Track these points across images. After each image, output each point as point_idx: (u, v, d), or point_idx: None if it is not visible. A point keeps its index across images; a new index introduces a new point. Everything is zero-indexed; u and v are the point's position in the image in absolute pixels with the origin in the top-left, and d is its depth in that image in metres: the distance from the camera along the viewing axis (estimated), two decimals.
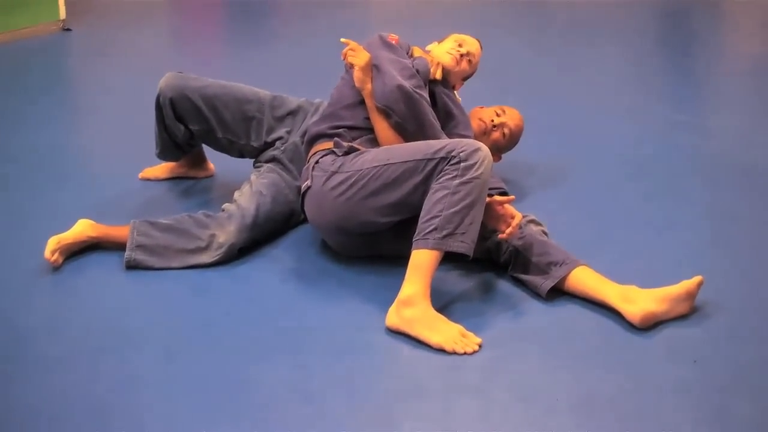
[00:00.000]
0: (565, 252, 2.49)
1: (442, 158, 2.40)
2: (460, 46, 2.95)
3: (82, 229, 2.75)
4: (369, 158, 2.53)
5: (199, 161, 3.35)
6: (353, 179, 2.51)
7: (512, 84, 4.72)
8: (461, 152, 2.38)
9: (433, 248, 2.33)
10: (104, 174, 3.45)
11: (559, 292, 2.45)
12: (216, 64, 5.39)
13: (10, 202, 3.19)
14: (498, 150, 3.11)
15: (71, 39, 6.00)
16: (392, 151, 2.53)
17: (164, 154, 3.14)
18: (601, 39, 6.05)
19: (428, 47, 3.02)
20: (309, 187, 2.61)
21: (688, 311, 2.33)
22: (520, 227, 2.57)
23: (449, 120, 2.89)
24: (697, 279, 2.33)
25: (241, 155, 3.08)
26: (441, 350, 2.21)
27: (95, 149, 3.82)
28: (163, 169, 3.36)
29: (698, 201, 3.13)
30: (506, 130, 3.07)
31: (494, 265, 2.61)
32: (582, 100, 4.46)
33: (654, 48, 6.02)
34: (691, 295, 2.33)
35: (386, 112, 2.63)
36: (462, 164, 2.37)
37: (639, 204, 3.11)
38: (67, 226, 2.75)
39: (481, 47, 3.04)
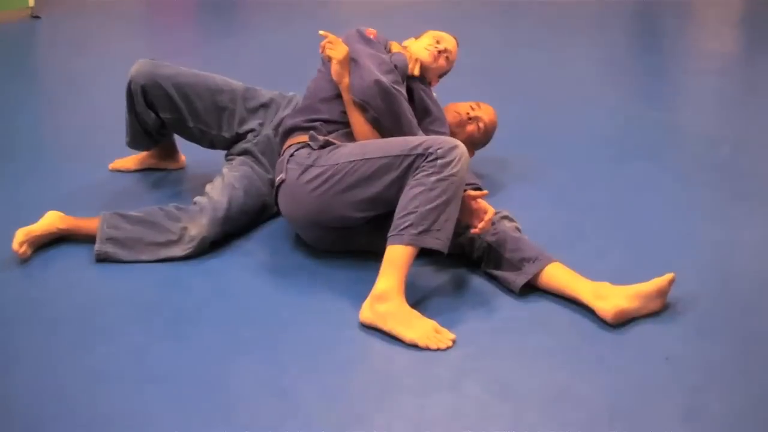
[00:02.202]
0: (538, 248, 2.50)
1: (419, 155, 2.39)
2: (437, 42, 2.95)
3: (51, 221, 2.71)
4: (345, 153, 2.51)
5: (171, 153, 3.32)
6: (329, 173, 2.49)
7: (485, 80, 4.75)
8: (438, 149, 2.38)
9: (408, 244, 2.32)
10: (73, 165, 3.40)
11: (532, 288, 2.46)
12: (188, 55, 5.33)
13: None
14: (472, 144, 3.12)
15: (40, 27, 5.92)
16: (369, 146, 2.51)
17: (135, 143, 3.10)
18: (572, 36, 6.11)
19: (405, 43, 3.01)
20: (283, 180, 2.59)
21: (660, 308, 2.35)
22: (493, 223, 2.57)
23: (426, 116, 2.89)
24: (668, 276, 2.34)
25: (212, 146, 3.05)
26: (414, 346, 2.20)
27: (63, 139, 3.77)
28: (133, 160, 3.32)
29: (671, 198, 3.16)
30: (481, 124, 3.08)
31: (468, 261, 2.61)
32: (555, 97, 4.51)
33: (626, 46, 6.09)
34: (662, 293, 2.34)
35: (363, 107, 2.62)
36: (439, 161, 2.36)
37: (612, 200, 3.14)
38: (35, 218, 2.71)
39: (458, 44, 3.04)
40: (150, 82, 2.87)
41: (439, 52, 2.92)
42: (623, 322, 2.30)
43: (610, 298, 2.31)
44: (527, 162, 3.47)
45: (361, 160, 2.46)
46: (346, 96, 2.65)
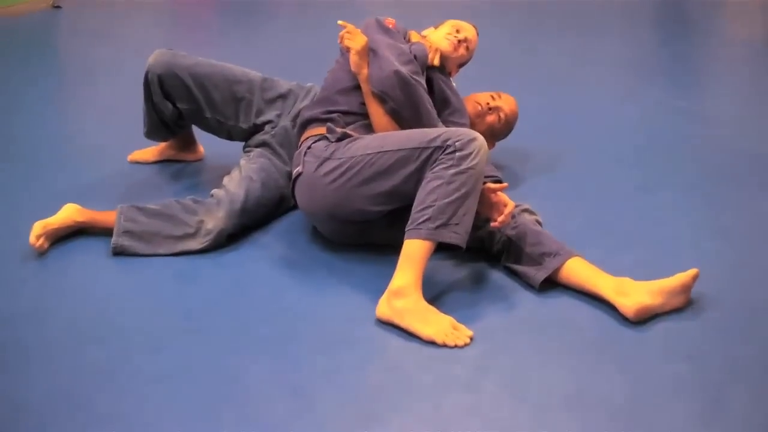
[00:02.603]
0: (558, 242, 2.45)
1: (437, 147, 2.35)
2: (457, 31, 2.90)
3: (69, 214, 2.70)
4: (362, 145, 2.48)
5: (189, 144, 3.30)
6: (346, 166, 2.46)
7: (508, 70, 4.69)
8: (457, 141, 2.33)
9: (425, 238, 2.29)
10: (92, 156, 3.40)
11: (553, 284, 2.41)
12: (210, 46, 5.32)
13: None
14: (493, 135, 3.07)
15: (61, 17, 5.92)
16: (386, 138, 2.48)
17: (152, 134, 3.09)
18: (598, 25, 6.00)
19: (424, 32, 2.97)
20: (300, 173, 2.56)
21: (684, 305, 2.30)
22: (513, 216, 2.53)
23: (445, 107, 2.84)
24: (692, 272, 2.29)
25: (230, 137, 3.02)
26: (432, 343, 2.17)
27: (83, 131, 3.77)
28: (152, 151, 3.31)
29: (696, 190, 3.08)
30: (501, 114, 3.03)
31: (487, 255, 2.57)
32: (579, 87, 4.42)
33: (652, 34, 5.96)
34: (686, 288, 2.29)
35: (382, 98, 2.58)
36: (457, 154, 2.32)
37: (636, 192, 3.07)
38: (53, 210, 2.71)
39: (478, 33, 2.99)
40: (167, 71, 2.85)
41: (459, 41, 2.88)
42: (645, 318, 2.25)
43: (632, 294, 2.26)
44: (550, 154, 3.41)
45: (379, 152, 2.43)
46: (364, 87, 2.61)
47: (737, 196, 3.04)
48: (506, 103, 3.05)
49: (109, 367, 2.09)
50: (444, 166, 2.33)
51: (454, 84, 3.09)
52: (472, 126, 2.98)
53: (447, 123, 2.81)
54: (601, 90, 4.34)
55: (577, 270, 2.38)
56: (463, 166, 2.31)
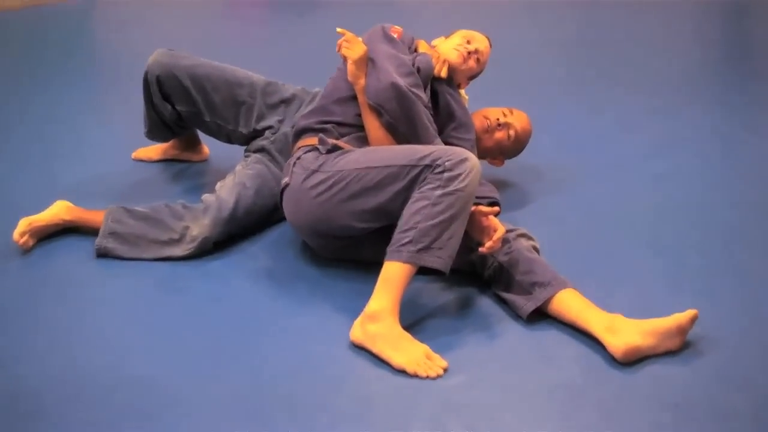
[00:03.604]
0: (552, 272, 2.32)
1: (426, 166, 2.24)
2: (468, 42, 2.78)
3: (57, 211, 2.66)
4: (352, 159, 2.38)
5: (193, 144, 3.24)
6: (333, 180, 2.36)
7: (532, 82, 4.51)
8: (447, 161, 2.22)
9: (406, 261, 2.18)
10: (98, 151, 3.37)
11: (543, 315, 2.28)
12: (243, 45, 5.27)
13: None
14: (502, 153, 2.94)
15: (96, 7, 5.93)
16: (376, 153, 2.37)
17: (153, 134, 3.03)
18: (642, 39, 5.75)
19: (434, 42, 2.85)
20: (288, 184, 2.48)
21: (678, 347, 2.14)
22: (508, 241, 2.40)
23: (450, 121, 2.73)
24: (690, 313, 2.13)
25: (230, 141, 2.95)
26: (402, 371, 2.06)
27: (94, 124, 3.73)
28: (156, 150, 3.26)
29: (718, 223, 2.86)
30: (512, 132, 2.89)
31: (478, 280, 2.45)
32: (605, 101, 4.19)
33: (703, 48, 5.59)
34: (682, 331, 2.14)
35: (378, 111, 2.48)
36: (446, 174, 2.21)
37: (649, 220, 2.89)
38: (48, 204, 2.67)
39: (491, 44, 2.86)
40: (166, 73, 2.78)
41: (469, 53, 2.75)
42: (634, 360, 2.10)
43: (623, 333, 2.12)
44: (564, 172, 3.25)
45: (367, 168, 2.33)
46: (361, 98, 2.51)
47: (757, 233, 2.81)
48: (518, 120, 2.92)
49: (71, 375, 2.03)
50: (431, 186, 2.22)
51: (466, 96, 2.98)
52: (479, 142, 2.86)
53: (450, 138, 2.70)
54: (631, 105, 4.11)
55: (568, 303, 2.25)
56: (451, 188, 2.20)
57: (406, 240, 2.19)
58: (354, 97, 2.55)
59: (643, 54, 5.21)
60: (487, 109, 2.94)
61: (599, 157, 3.45)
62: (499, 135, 2.89)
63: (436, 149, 2.29)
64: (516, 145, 2.94)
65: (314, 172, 2.41)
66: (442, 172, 2.22)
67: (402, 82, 2.45)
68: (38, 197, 2.80)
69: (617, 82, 4.54)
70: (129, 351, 2.13)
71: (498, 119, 2.88)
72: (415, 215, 2.20)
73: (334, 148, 2.45)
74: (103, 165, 3.22)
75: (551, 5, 6.52)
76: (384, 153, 2.36)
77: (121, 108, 3.89)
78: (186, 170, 3.20)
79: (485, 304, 2.37)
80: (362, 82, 2.51)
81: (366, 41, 2.59)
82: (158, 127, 2.97)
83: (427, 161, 2.25)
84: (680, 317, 2.13)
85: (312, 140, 2.52)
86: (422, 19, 5.86)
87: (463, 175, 2.21)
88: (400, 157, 2.30)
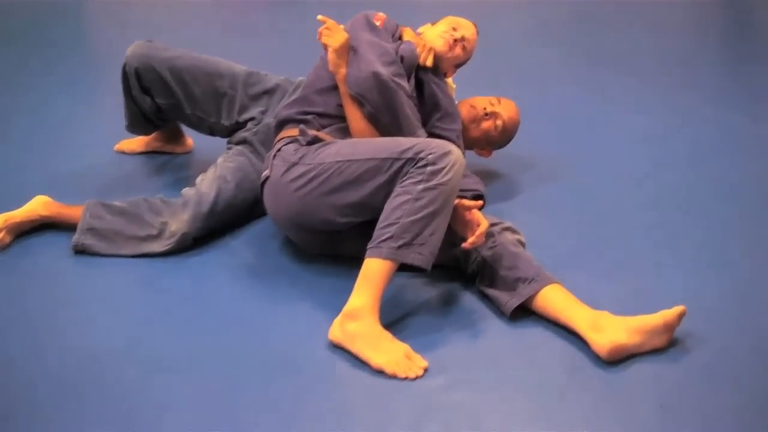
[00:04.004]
0: (537, 267, 2.26)
1: (409, 159, 2.18)
2: (454, 29, 2.71)
3: (34, 207, 2.61)
4: (332, 152, 2.32)
5: (177, 136, 3.18)
6: (313, 173, 2.30)
7: (521, 67, 4.42)
8: (429, 154, 2.16)
9: (386, 258, 2.12)
10: (80, 143, 3.31)
11: (527, 312, 2.23)
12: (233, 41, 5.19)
13: None
14: (489, 143, 2.88)
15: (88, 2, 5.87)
16: (358, 145, 2.31)
17: (134, 127, 2.97)
18: (638, 22, 5.63)
19: (420, 29, 2.78)
20: (268, 177, 2.42)
21: (665, 345, 2.09)
22: (492, 235, 2.35)
23: (435, 110, 2.66)
24: (678, 309, 2.08)
25: (212, 133, 2.89)
26: (381, 372, 2.01)
27: (77, 115, 3.64)
28: (139, 142, 3.19)
29: (709, 214, 2.78)
30: (499, 122, 2.83)
31: (462, 275, 2.40)
32: (605, 89, 4.09)
33: (705, 39, 5.40)
34: (669, 328, 2.08)
35: (359, 101, 2.41)
36: (429, 168, 2.15)
37: (640, 212, 2.82)
38: (28, 198, 2.62)
39: (478, 31, 2.79)
40: (144, 65, 2.72)
41: (455, 40, 2.68)
42: (620, 359, 2.05)
43: (608, 330, 2.07)
44: (554, 161, 3.18)
45: (348, 161, 2.27)
46: (342, 88, 2.45)
47: (753, 226, 2.74)
48: (506, 109, 2.85)
49: (45, 374, 1.99)
50: (413, 180, 2.16)
51: (454, 85, 2.91)
52: (466, 131, 2.80)
53: (435, 129, 2.64)
54: (629, 93, 4.03)
55: (553, 299, 2.20)
56: (434, 182, 2.14)
57: (387, 236, 2.13)
58: (336, 87, 2.49)
59: (638, 38, 5.13)
60: (474, 99, 2.88)
61: (591, 145, 3.38)
62: (486, 125, 2.82)
63: (418, 142, 2.22)
64: (504, 136, 2.87)
65: (294, 164, 2.35)
66: (425, 165, 2.16)
67: (384, 71, 2.38)
68: (17, 192, 2.74)
69: (610, 67, 4.46)
70: (105, 351, 2.09)
71: (485, 108, 2.82)
72: (397, 210, 2.15)
73: (315, 140, 2.39)
74: (85, 157, 3.16)
75: None
76: (365, 145, 2.30)
77: (105, 99, 3.82)
78: (169, 162, 3.14)
79: (468, 300, 2.32)
80: (343, 71, 2.44)
81: (348, 29, 2.52)
82: (139, 120, 2.91)
83: (409, 154, 2.19)
84: (667, 314, 2.08)
85: (293, 131, 2.46)
86: (422, 5, 5.76)
87: (446, 169, 2.15)
88: (382, 150, 2.24)
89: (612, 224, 2.73)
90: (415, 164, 2.17)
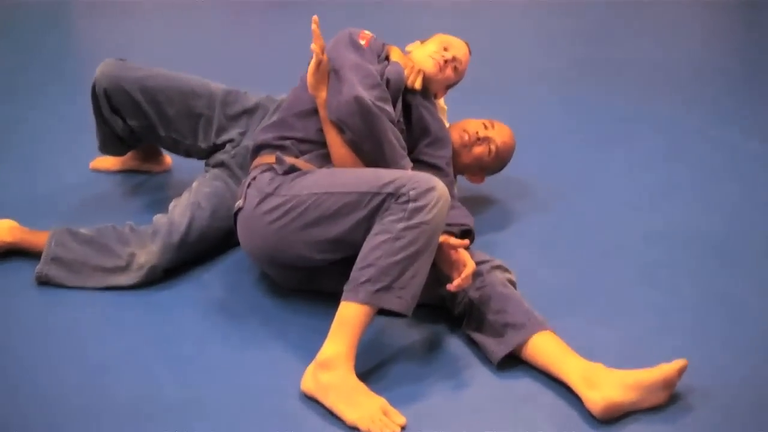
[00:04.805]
0: (527, 311, 2.10)
1: (390, 194, 2.02)
2: (445, 49, 2.54)
3: None
4: (309, 183, 2.16)
5: (154, 154, 3.02)
6: (289, 205, 2.14)
7: (518, 84, 4.21)
8: (411, 190, 2.00)
9: (363, 302, 1.96)
10: (54, 161, 3.14)
11: (516, 359, 2.07)
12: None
13: None
14: (482, 169, 2.71)
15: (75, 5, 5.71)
16: (336, 177, 2.15)
17: (106, 148, 2.81)
18: (642, 36, 5.41)
19: (409, 47, 2.62)
20: (241, 208, 2.26)
21: (664, 402, 1.92)
22: (481, 274, 2.19)
23: (424, 136, 2.50)
24: (678, 364, 1.92)
25: (188, 155, 2.73)
26: (355, 429, 1.85)
27: (54, 130, 3.46)
28: (114, 161, 3.04)
29: (719, 250, 2.60)
30: (492, 147, 2.66)
31: (449, 315, 2.23)
32: (607, 110, 3.85)
33: (718, 50, 5.18)
34: (669, 384, 1.92)
35: (340, 127, 2.25)
36: (410, 205, 1.99)
37: (643, 245, 2.64)
38: None
39: (470, 51, 2.63)
40: (113, 85, 2.56)
41: (446, 61, 2.52)
42: (615, 417, 1.89)
43: (602, 386, 1.90)
44: (550, 188, 3.00)
45: (326, 193, 2.11)
46: (322, 112, 2.29)
47: (763, 261, 2.55)
48: (499, 133, 2.69)
49: None
50: (394, 218, 2.00)
51: (445, 107, 2.75)
52: (457, 157, 2.63)
53: (423, 155, 2.48)
54: (627, 114, 3.78)
55: (543, 348, 2.03)
56: (415, 220, 1.98)
57: (364, 279, 1.97)
58: (317, 110, 2.33)
59: (643, 54, 4.88)
60: (466, 122, 2.71)
61: (591, 169, 3.20)
62: (479, 150, 2.66)
63: (401, 175, 2.06)
64: (497, 162, 2.71)
65: (269, 195, 2.19)
66: (407, 201, 2.00)
67: (366, 95, 2.21)
68: None
69: (613, 80, 4.27)
70: (59, 391, 1.95)
71: (477, 133, 2.65)
72: (375, 250, 1.99)
73: (292, 169, 2.23)
74: (59, 175, 3.01)
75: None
76: (345, 177, 2.14)
77: (83, 112, 3.65)
78: (146, 183, 2.98)
79: (454, 345, 2.16)
80: (323, 94, 2.28)
81: (330, 48, 2.36)
82: (111, 141, 2.75)
83: (390, 189, 2.03)
84: (667, 369, 1.91)
85: (269, 158, 2.30)
86: (427, 16, 5.60)
87: (429, 206, 1.99)
88: (362, 183, 2.08)
89: (610, 261, 2.56)
90: (396, 200, 2.01)
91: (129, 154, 2.99)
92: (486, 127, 2.68)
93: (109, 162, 3.04)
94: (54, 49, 4.70)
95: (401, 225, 1.98)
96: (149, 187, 2.95)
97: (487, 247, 2.51)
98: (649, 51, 4.86)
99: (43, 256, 2.38)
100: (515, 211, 2.84)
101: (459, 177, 2.77)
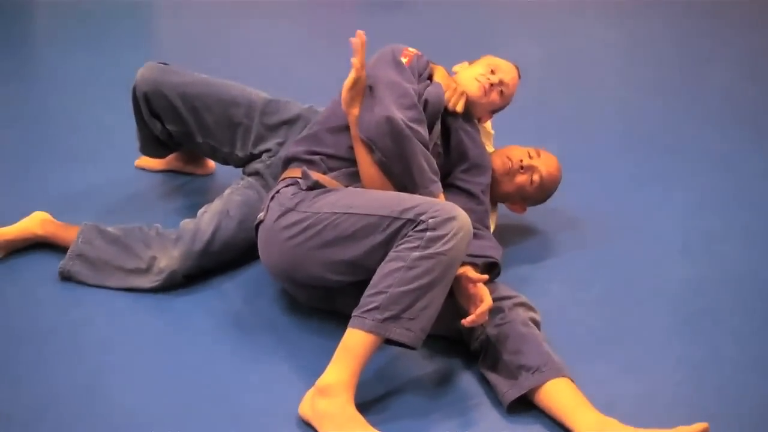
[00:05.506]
0: (545, 354, 1.99)
1: (409, 221, 1.95)
2: (492, 72, 2.45)
3: (29, 225, 2.48)
4: (330, 201, 2.10)
5: (197, 157, 3.01)
6: (307, 223, 2.09)
7: (573, 107, 3.95)
8: (431, 218, 1.92)
9: (369, 331, 1.89)
10: (102, 156, 3.16)
11: (528, 404, 1.96)
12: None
13: None
14: (524, 199, 2.60)
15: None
16: (358, 197, 2.09)
17: (146, 150, 2.81)
18: (728, 57, 5.10)
19: (456, 68, 2.54)
20: (262, 221, 2.22)
21: None
22: (502, 311, 2.09)
23: (462, 161, 2.42)
24: (699, 427, 1.79)
25: (226, 162, 2.70)
26: None
27: (103, 126, 3.46)
28: (159, 161, 3.03)
29: (765, 311, 2.43)
30: (536, 177, 2.55)
31: (467, 350, 2.14)
32: (672, 141, 3.60)
33: None
34: None
35: (369, 146, 2.19)
36: (428, 234, 1.91)
37: (684, 293, 2.49)
38: (38, 206, 2.53)
39: (519, 75, 2.53)
40: (153, 90, 2.55)
41: (492, 85, 2.43)
42: None
43: None
44: (597, 223, 2.84)
45: (345, 213, 2.05)
46: (354, 130, 2.23)
47: None
48: (545, 163, 2.57)
49: None
50: (409, 245, 1.92)
51: (492, 132, 2.66)
52: (498, 184, 2.53)
53: (458, 180, 2.40)
54: (692, 149, 3.52)
55: (557, 396, 1.93)
56: (431, 250, 1.90)
57: (373, 305, 1.90)
58: (348, 127, 2.27)
59: (715, 81, 4.48)
60: (510, 148, 2.61)
61: (640, 206, 3.00)
62: (521, 179, 2.55)
63: (422, 201, 1.99)
64: (539, 192, 2.59)
65: (289, 210, 2.14)
66: (425, 230, 1.92)
67: (399, 115, 2.14)
68: (25, 204, 2.60)
69: (679, 114, 3.95)
70: (61, 392, 1.94)
71: (521, 161, 2.55)
72: (387, 278, 1.91)
73: (316, 185, 2.17)
74: (103, 172, 3.01)
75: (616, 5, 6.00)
76: (366, 198, 2.07)
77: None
78: (187, 185, 2.97)
79: (466, 382, 2.07)
80: (356, 111, 2.22)
81: (371, 64, 2.30)
82: (151, 144, 2.75)
83: (410, 215, 1.96)
84: (685, 431, 1.78)
85: (297, 172, 2.25)
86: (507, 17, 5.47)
87: (448, 237, 1.91)
88: (382, 206, 2.01)
89: (649, 306, 2.42)
90: (415, 227, 1.94)
91: (173, 155, 2.98)
92: (531, 156, 2.57)
93: (153, 161, 3.04)
94: (126, 45, 4.75)
95: (416, 254, 1.91)
96: (188, 190, 2.94)
97: (519, 280, 2.41)
98: (722, 78, 4.55)
99: (68, 252, 2.38)
100: (555, 245, 2.71)
101: (499, 206, 2.67)
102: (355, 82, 2.20)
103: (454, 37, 4.76)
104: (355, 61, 2.17)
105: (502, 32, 4.59)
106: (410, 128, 2.16)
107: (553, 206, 2.76)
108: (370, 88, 2.23)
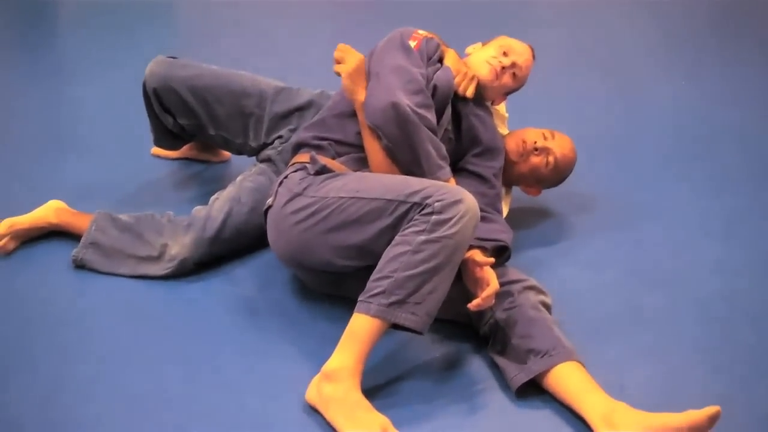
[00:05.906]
0: (555, 338, 1.97)
1: (415, 204, 1.93)
2: (505, 54, 2.41)
3: (44, 213, 2.50)
4: (338, 186, 2.09)
5: (212, 146, 3.01)
6: (315, 207, 2.08)
7: (603, 93, 3.90)
8: (437, 201, 1.90)
9: (374, 316, 1.88)
10: (117, 144, 3.17)
11: (537, 387, 1.94)
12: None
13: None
14: (538, 181, 2.57)
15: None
16: (365, 182, 2.07)
17: (160, 143, 2.81)
18: (739, 48, 4.97)
19: (468, 49, 2.51)
20: (270, 206, 2.21)
21: None
22: (511, 294, 2.07)
23: (474, 146, 2.40)
24: (710, 411, 1.75)
25: (240, 153, 2.70)
26: None
27: (122, 112, 3.47)
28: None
29: None
30: (550, 158, 2.51)
31: (476, 335, 2.13)
32: (697, 125, 3.52)
33: None
34: (697, 430, 1.76)
35: (376, 132, 2.17)
36: (434, 217, 1.89)
37: (699, 278, 2.43)
38: (55, 195, 2.56)
39: (534, 56, 2.49)
40: (163, 85, 2.55)
41: (504, 67, 2.39)
42: None
43: (622, 426, 1.77)
44: (618, 206, 2.80)
45: (352, 198, 2.03)
46: (360, 116, 2.21)
47: None
48: (559, 145, 2.54)
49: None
50: (415, 229, 1.91)
51: (506, 115, 2.62)
52: (513, 166, 2.50)
53: (469, 164, 2.38)
54: (713, 128, 3.45)
55: (566, 380, 1.91)
56: (437, 234, 1.88)
57: (378, 290, 1.89)
58: (354, 113, 2.25)
59: (737, 61, 4.38)
60: (525, 130, 2.58)
61: (662, 189, 2.95)
62: (536, 161, 2.52)
63: (429, 185, 1.97)
64: (554, 174, 2.56)
65: (297, 195, 2.13)
66: (430, 213, 1.91)
67: (405, 101, 2.12)
68: (40, 193, 2.62)
69: (697, 91, 3.88)
70: (72, 378, 1.96)
71: (536, 142, 2.51)
72: (392, 262, 1.90)
73: (324, 170, 2.16)
74: (119, 159, 3.03)
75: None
76: (373, 183, 2.06)
77: None
78: (202, 173, 2.98)
79: (476, 366, 2.05)
80: (360, 98, 2.20)
81: (379, 49, 2.28)
82: (164, 137, 2.76)
83: (416, 198, 1.94)
84: (695, 416, 1.75)
85: (305, 157, 2.24)
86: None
87: (454, 220, 1.89)
88: (389, 190, 1.99)
89: (666, 290, 2.38)
90: (421, 210, 1.92)
91: (188, 144, 2.99)
92: (545, 138, 2.53)
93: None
94: (146, 36, 4.77)
95: (422, 238, 1.89)
96: (204, 178, 2.94)
97: (532, 263, 2.39)
98: (743, 58, 4.45)
99: (82, 240, 2.40)
100: (570, 228, 2.68)
101: (514, 189, 2.64)
102: (355, 70, 2.18)
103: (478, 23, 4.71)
104: (348, 47, 2.20)
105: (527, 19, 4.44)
106: (417, 114, 2.13)
107: (568, 189, 2.72)
108: (376, 72, 2.21)
